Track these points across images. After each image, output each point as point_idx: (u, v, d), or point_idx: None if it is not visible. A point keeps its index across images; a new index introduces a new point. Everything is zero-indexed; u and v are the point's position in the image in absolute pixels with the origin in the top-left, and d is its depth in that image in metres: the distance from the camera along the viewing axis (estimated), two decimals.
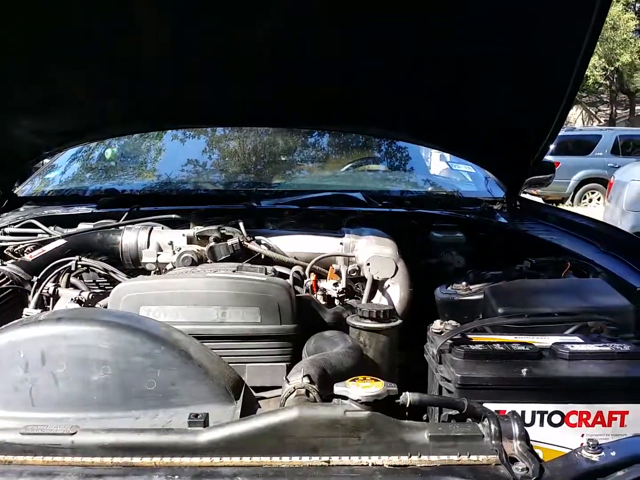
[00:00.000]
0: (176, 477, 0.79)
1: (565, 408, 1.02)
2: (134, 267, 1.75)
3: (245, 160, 3.16)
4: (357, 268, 1.68)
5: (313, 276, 1.62)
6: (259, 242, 1.74)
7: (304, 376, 1.00)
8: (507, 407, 1.00)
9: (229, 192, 2.74)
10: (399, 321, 1.35)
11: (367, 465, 0.83)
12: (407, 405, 0.91)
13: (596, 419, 1.02)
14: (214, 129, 3.24)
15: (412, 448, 0.84)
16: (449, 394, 1.06)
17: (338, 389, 0.89)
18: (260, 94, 2.00)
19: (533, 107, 1.87)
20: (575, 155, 12.30)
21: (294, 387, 0.98)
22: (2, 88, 1.82)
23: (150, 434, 0.85)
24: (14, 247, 1.78)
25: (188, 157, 3.17)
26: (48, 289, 1.50)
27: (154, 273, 1.71)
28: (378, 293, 1.64)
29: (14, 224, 2.00)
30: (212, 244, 1.67)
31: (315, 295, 1.55)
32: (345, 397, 0.88)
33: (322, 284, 1.61)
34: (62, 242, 1.73)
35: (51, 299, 1.50)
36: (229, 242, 1.68)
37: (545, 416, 1.02)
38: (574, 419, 1.02)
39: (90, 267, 1.64)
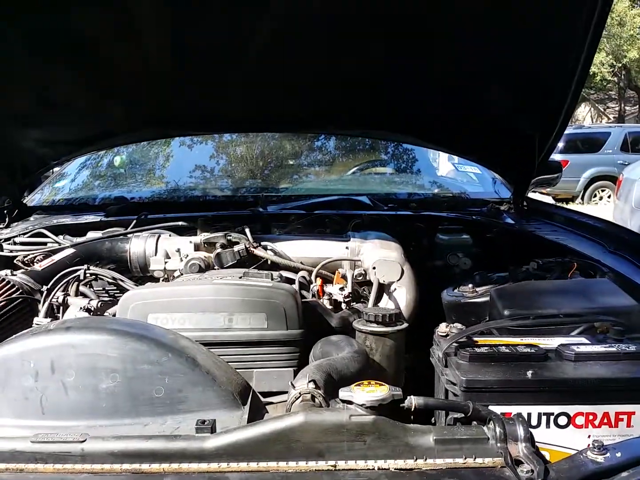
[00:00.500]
0: None
1: (571, 409, 1.02)
2: (143, 275, 1.77)
3: (252, 165, 3.17)
4: (363, 272, 1.69)
5: (319, 281, 1.63)
6: (265, 248, 1.75)
7: (309, 381, 1.01)
8: (513, 410, 1.00)
9: (236, 197, 2.75)
10: (405, 325, 1.35)
11: (373, 469, 0.83)
12: (412, 409, 0.91)
13: (602, 420, 1.02)
14: (221, 134, 3.26)
15: (418, 451, 0.85)
16: (454, 397, 1.06)
17: (343, 393, 0.90)
18: (264, 99, 2.01)
19: (537, 107, 1.87)
20: (585, 153, 12.24)
21: (300, 393, 0.98)
22: (7, 100, 1.85)
23: (158, 440, 0.86)
24: (24, 257, 1.81)
25: (196, 163, 3.19)
26: (57, 298, 1.52)
27: (162, 280, 1.72)
28: (384, 297, 1.65)
29: (24, 234, 2.03)
30: (219, 250, 1.69)
31: (321, 300, 1.56)
32: (350, 402, 0.88)
33: (329, 288, 1.62)
34: (71, 251, 1.75)
35: (61, 307, 1.51)
36: (236, 248, 1.69)
37: (552, 418, 1.02)
38: (580, 420, 1.02)
39: (99, 276, 1.66)
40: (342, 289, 1.60)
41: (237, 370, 1.16)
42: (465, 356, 1.09)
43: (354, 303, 1.61)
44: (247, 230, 1.77)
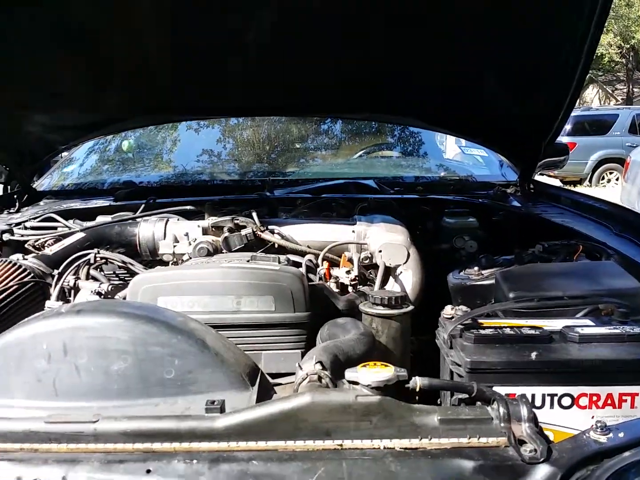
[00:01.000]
0: (194, 461, 0.82)
1: (575, 390, 1.03)
2: (152, 259, 1.79)
3: (259, 149, 3.18)
4: (369, 255, 1.70)
5: (326, 264, 1.65)
6: (272, 232, 1.77)
7: (316, 363, 1.02)
8: (517, 391, 1.01)
9: (243, 181, 2.77)
10: (411, 307, 1.37)
11: (379, 448, 0.85)
12: (417, 390, 0.93)
13: (606, 401, 1.03)
14: (227, 119, 3.27)
15: (423, 431, 0.86)
16: (459, 378, 1.07)
17: (349, 374, 0.92)
18: (265, 83, 2.02)
19: (543, 89, 1.86)
20: (592, 136, 12.14)
21: (307, 374, 1.00)
22: (14, 88, 1.86)
23: (169, 420, 0.88)
24: (35, 241, 1.83)
25: (203, 147, 3.20)
26: (69, 282, 1.54)
27: (171, 264, 1.74)
28: (390, 280, 1.66)
29: (34, 218, 2.05)
30: (227, 234, 1.70)
31: (328, 283, 1.58)
32: (356, 383, 0.90)
33: (335, 271, 1.63)
34: (81, 235, 1.77)
35: (72, 291, 1.54)
36: (243, 232, 1.71)
37: (556, 399, 1.04)
38: (584, 401, 1.03)
39: (109, 260, 1.68)
40: (348, 272, 1.61)
41: (246, 352, 1.18)
42: (470, 338, 1.10)
43: (360, 286, 1.63)
44: (254, 214, 1.79)
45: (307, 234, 1.79)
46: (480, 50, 1.73)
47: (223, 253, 1.69)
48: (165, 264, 1.75)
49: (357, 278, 1.61)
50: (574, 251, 1.64)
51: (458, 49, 1.73)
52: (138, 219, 1.84)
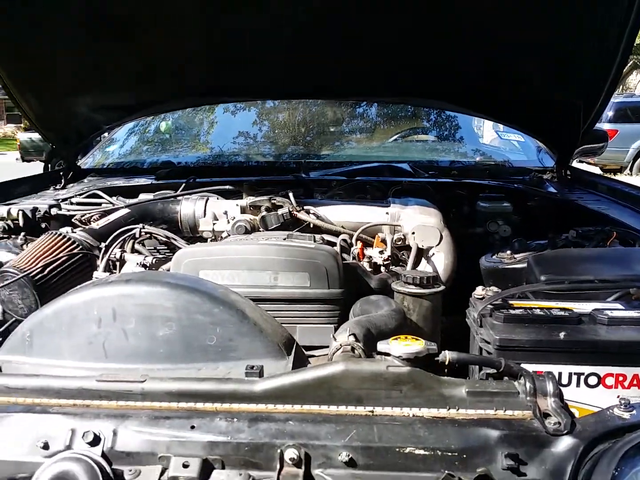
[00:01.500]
0: (235, 420, 0.87)
1: (601, 370, 1.05)
2: (192, 235, 1.86)
3: (294, 131, 3.21)
4: (402, 237, 1.73)
5: (360, 244, 1.68)
6: (307, 212, 1.81)
7: (350, 335, 1.07)
8: (545, 369, 1.03)
9: (278, 163, 2.81)
10: (442, 287, 1.40)
11: (408, 415, 0.89)
12: (447, 363, 0.96)
13: (632, 382, 1.05)
14: (263, 101, 3.31)
15: (451, 402, 0.90)
16: (488, 355, 1.11)
17: (381, 346, 0.96)
18: (308, 66, 2.05)
19: (582, 74, 1.85)
20: (635, 123, 11.79)
21: (341, 344, 1.05)
22: (64, 71, 1.94)
23: (211, 382, 0.94)
24: (81, 216, 1.91)
25: (239, 129, 3.25)
26: (115, 254, 1.61)
27: (211, 240, 1.80)
28: (423, 261, 1.69)
29: (80, 195, 2.14)
30: (264, 213, 1.76)
31: (361, 263, 1.61)
32: (387, 354, 0.94)
33: (369, 251, 1.67)
34: (126, 211, 1.85)
35: (118, 263, 1.61)
36: (280, 211, 1.75)
37: (582, 378, 1.06)
38: (610, 381, 1.05)
39: (153, 235, 1.75)
40: (381, 252, 1.65)
41: (282, 325, 1.23)
42: (500, 317, 1.13)
43: (393, 266, 1.66)
44: (290, 195, 1.83)
45: (341, 214, 1.83)
46: (519, 35, 1.73)
47: (260, 231, 1.74)
48: (205, 240, 1.81)
49: (389, 258, 1.65)
50: (608, 237, 1.64)
51: (497, 34, 1.73)
52: (180, 197, 1.91)
